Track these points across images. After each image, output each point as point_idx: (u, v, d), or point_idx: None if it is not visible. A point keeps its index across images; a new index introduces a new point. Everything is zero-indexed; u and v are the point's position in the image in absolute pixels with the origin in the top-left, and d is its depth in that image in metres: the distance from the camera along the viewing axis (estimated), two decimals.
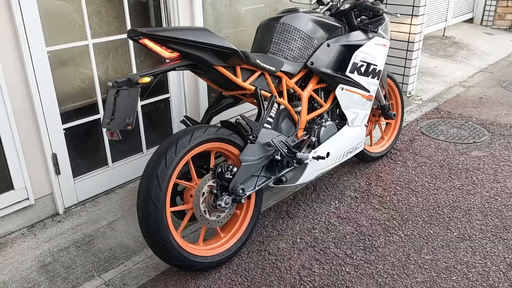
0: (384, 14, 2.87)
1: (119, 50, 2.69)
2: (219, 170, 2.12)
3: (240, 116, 2.13)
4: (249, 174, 2.20)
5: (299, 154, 2.35)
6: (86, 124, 2.61)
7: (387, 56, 4.49)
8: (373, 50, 2.71)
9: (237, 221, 2.34)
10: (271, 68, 2.28)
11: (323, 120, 2.63)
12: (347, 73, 2.59)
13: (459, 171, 3.13)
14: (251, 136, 2.13)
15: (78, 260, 2.25)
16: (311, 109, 2.66)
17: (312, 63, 2.46)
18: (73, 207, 2.61)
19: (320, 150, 2.54)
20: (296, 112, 2.50)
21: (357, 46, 2.63)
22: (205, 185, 2.10)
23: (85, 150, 2.65)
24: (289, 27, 2.40)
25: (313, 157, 2.44)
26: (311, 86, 2.55)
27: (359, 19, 2.82)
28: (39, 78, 2.29)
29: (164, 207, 1.95)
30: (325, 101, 2.65)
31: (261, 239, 2.46)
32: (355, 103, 2.70)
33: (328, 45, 2.53)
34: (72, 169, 2.53)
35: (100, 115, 2.64)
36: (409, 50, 4.44)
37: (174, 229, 2.02)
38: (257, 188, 2.24)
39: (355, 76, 2.63)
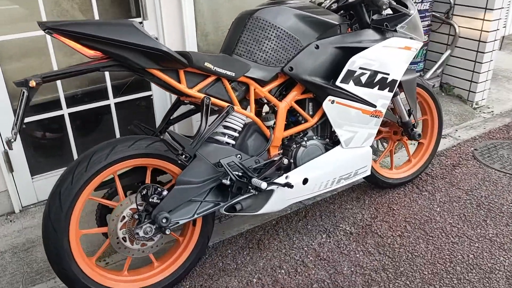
0: (411, 7, 2.27)
1: None
2: (144, 192, 1.79)
3: (168, 132, 1.76)
4: (185, 199, 1.84)
5: (254, 180, 1.92)
6: (46, 121, 2.44)
7: (453, 57, 3.75)
8: (382, 55, 2.14)
9: (177, 250, 2.00)
10: (228, 73, 1.88)
11: (305, 139, 2.15)
12: (338, 82, 2.07)
13: (500, 214, 2.42)
14: (183, 156, 1.76)
15: (9, 268, 2.10)
16: (295, 123, 2.19)
17: (291, 69, 1.99)
18: (31, 206, 2.48)
19: (294, 175, 2.08)
20: (269, 127, 2.06)
21: (358, 49, 2.09)
22: (127, 208, 1.79)
23: (46, 148, 2.49)
24: (264, 23, 1.95)
25: (278, 183, 2.00)
26: (292, 96, 2.08)
27: (376, 15, 2.26)
28: None
29: (66, 230, 1.68)
30: (313, 115, 2.16)
31: (212, 272, 2.10)
32: (351, 120, 2.17)
33: (317, 47, 2.03)
34: (30, 167, 2.39)
35: (64, 111, 2.45)
36: (479, 52, 3.63)
37: (83, 255, 1.75)
38: (196, 216, 1.88)
39: (350, 87, 2.10)
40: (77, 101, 2.53)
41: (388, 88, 2.22)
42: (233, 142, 2.03)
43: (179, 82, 1.80)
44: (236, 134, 2.04)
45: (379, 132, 2.59)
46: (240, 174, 1.93)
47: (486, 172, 2.84)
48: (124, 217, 1.79)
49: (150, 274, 1.93)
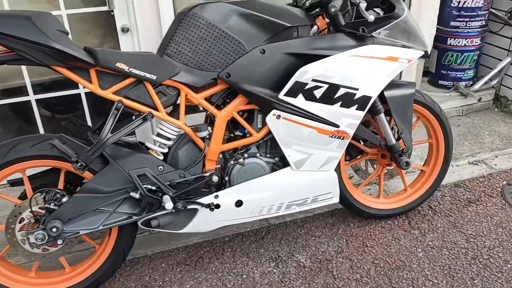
0: (399, 10, 1.84)
1: None
2: (43, 195, 1.70)
3: (59, 137, 1.62)
4: (89, 209, 1.71)
5: (164, 197, 1.72)
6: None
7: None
8: (347, 66, 1.77)
9: (91, 258, 1.89)
10: (148, 75, 1.68)
11: (245, 155, 1.87)
12: (282, 95, 1.75)
13: (497, 275, 1.92)
14: (78, 164, 1.62)
15: None
16: (243, 136, 1.93)
17: (228, 75, 1.73)
18: None
19: (225, 196, 1.83)
20: (203, 138, 1.83)
21: (316, 58, 1.74)
22: (27, 210, 1.71)
23: None
24: (199, 21, 1.70)
25: (199, 203, 1.78)
26: (234, 105, 1.81)
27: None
28: None
29: None
30: (261, 129, 1.87)
31: (134, 285, 1.96)
32: (303, 139, 1.84)
33: (263, 52, 1.73)
34: None
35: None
36: None
37: None
38: (102, 227, 1.73)
39: (298, 102, 1.77)
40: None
41: (356, 106, 1.84)
42: (164, 151, 1.85)
43: (90, 82, 1.65)
44: (169, 143, 1.85)
45: (364, 152, 2.21)
46: (154, 188, 1.74)
47: (507, 215, 2.30)
48: (23, 219, 1.71)
49: (58, 279, 1.85)
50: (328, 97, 1.79)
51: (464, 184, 2.57)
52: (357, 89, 1.81)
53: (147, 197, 1.72)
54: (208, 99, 1.82)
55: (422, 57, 2.02)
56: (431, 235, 2.17)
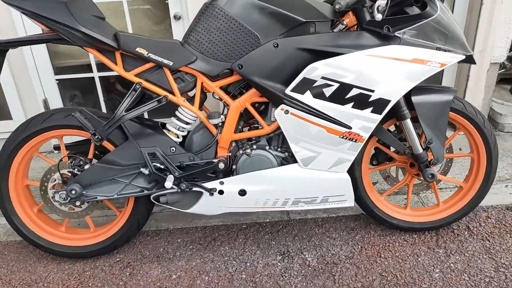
0: (430, 9, 1.71)
1: None
2: (70, 161, 1.92)
3: (80, 110, 1.80)
4: (105, 178, 1.90)
5: (169, 177, 1.83)
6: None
7: None
8: (363, 66, 1.69)
9: (111, 223, 2.09)
10: (165, 61, 1.79)
11: (253, 147, 1.90)
12: (288, 91, 1.74)
13: None
14: (95, 137, 1.80)
15: None
16: (255, 127, 1.96)
17: (240, 66, 1.77)
18: None
19: (230, 183, 1.89)
20: (216, 126, 1.91)
21: (330, 55, 1.70)
22: (57, 172, 1.95)
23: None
24: (219, 12, 1.76)
25: (202, 187, 1.87)
26: (247, 96, 1.85)
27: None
28: None
29: (5, 175, 1.95)
30: (273, 123, 1.88)
31: (148, 253, 2.13)
32: (311, 137, 1.81)
33: (276, 45, 1.74)
34: None
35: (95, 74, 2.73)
36: None
37: (24, 204, 2.01)
38: (117, 196, 1.91)
39: (306, 99, 1.74)
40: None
41: (371, 108, 1.75)
42: (183, 134, 1.97)
43: (116, 63, 1.82)
44: (188, 127, 1.97)
45: (392, 158, 2.09)
46: (162, 167, 1.87)
47: None
48: (54, 179, 1.96)
49: (83, 236, 2.09)
50: (339, 97, 1.73)
51: None
52: (372, 91, 1.72)
53: (154, 174, 1.85)
54: (225, 89, 1.88)
55: (463, 62, 1.84)
56: (457, 257, 1.99)
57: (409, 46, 1.71)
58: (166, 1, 2.54)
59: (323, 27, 1.77)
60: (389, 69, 1.71)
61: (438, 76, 2.90)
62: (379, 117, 1.78)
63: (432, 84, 1.97)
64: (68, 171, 1.94)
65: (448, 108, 1.89)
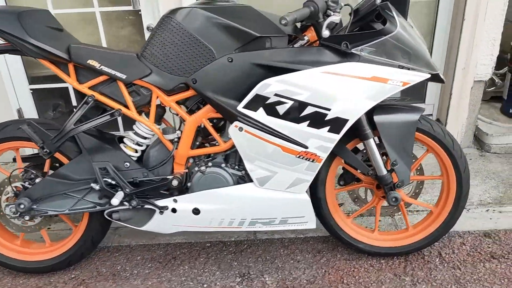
0: (389, 26, 1.63)
1: None
2: (22, 173, 1.88)
3: (27, 123, 1.76)
4: (56, 192, 1.84)
5: (117, 194, 1.77)
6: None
7: None
8: (319, 83, 1.61)
9: (67, 238, 2.04)
10: (118, 74, 1.75)
11: (209, 164, 1.83)
12: (241, 107, 1.67)
13: None
14: (44, 150, 1.76)
15: None
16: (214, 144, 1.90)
17: (194, 81, 1.71)
18: None
19: (183, 202, 1.83)
20: (172, 141, 1.85)
21: (285, 71, 1.63)
22: (11, 184, 1.91)
23: None
24: (174, 25, 1.71)
25: (153, 204, 1.81)
26: (204, 111, 1.79)
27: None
28: None
29: None
30: (229, 139, 1.82)
31: (105, 271, 2.06)
32: (266, 156, 1.73)
33: (230, 60, 1.68)
34: None
35: None
36: None
37: None
38: (68, 212, 1.86)
39: (259, 116, 1.67)
40: None
41: (328, 128, 1.67)
42: (141, 148, 1.91)
43: (69, 75, 1.78)
44: (146, 141, 1.91)
45: (359, 179, 2.00)
46: (113, 183, 1.81)
47: None
48: (8, 191, 1.92)
49: (37, 251, 2.04)
50: (294, 115, 1.66)
51: (497, 236, 2.17)
52: (329, 110, 1.65)
53: (103, 190, 1.80)
54: (183, 103, 1.83)
55: (430, 80, 1.76)
56: (423, 286, 1.88)
57: (369, 63, 1.63)
58: (140, 12, 2.51)
59: (280, 42, 1.70)
60: (346, 87, 1.63)
61: (422, 93, 2.80)
62: (337, 137, 1.69)
63: (400, 102, 1.89)
64: (20, 184, 1.90)
65: (413, 128, 1.79)
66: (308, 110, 1.65)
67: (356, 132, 1.79)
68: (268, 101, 1.65)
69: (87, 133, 1.84)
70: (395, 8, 1.66)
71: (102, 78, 1.77)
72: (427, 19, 2.61)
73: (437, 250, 2.08)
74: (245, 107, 1.67)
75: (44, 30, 1.74)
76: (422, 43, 1.72)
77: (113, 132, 2.08)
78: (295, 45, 1.75)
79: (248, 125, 1.70)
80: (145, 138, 1.90)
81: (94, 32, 2.67)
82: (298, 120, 1.67)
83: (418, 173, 2.00)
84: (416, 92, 2.79)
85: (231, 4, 1.74)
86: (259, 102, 1.65)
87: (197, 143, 1.89)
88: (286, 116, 1.66)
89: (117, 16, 2.63)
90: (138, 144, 1.91)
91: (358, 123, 1.76)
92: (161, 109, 1.88)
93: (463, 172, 1.88)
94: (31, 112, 2.82)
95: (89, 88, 1.79)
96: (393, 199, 1.84)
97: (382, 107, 1.79)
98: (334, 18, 1.56)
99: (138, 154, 1.91)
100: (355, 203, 2.10)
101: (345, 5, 1.85)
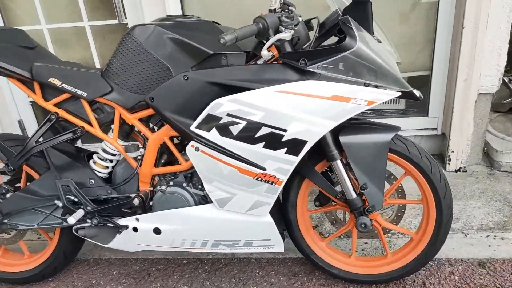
0: (348, 42, 1.51)
1: None
2: None
3: None
4: (25, 207, 1.88)
5: (77, 211, 1.77)
6: None
7: None
8: (271, 103, 1.53)
9: (43, 251, 2.07)
10: (79, 92, 1.75)
11: (170, 183, 1.79)
12: (193, 127, 1.61)
13: None
14: (8, 167, 1.79)
15: None
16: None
17: (152, 99, 1.68)
18: None
19: (145, 221, 1.80)
20: (136, 159, 1.83)
21: (238, 89, 1.56)
22: None
23: None
24: (133, 42, 1.68)
25: (113, 222, 1.79)
26: (166, 129, 1.75)
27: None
28: None
29: None
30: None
31: (79, 284, 2.08)
32: (224, 177, 1.66)
33: (186, 78, 1.62)
34: None
35: None
36: None
37: None
38: (38, 227, 1.89)
39: (212, 136, 1.60)
40: None
41: (286, 149, 1.58)
42: (109, 165, 1.91)
43: (35, 93, 1.80)
44: (115, 158, 1.90)
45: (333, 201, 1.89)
46: (76, 200, 1.81)
47: None
48: None
49: (17, 262, 2.09)
50: (248, 136, 1.58)
51: (493, 265, 1.97)
52: (285, 131, 1.56)
53: (65, 207, 1.81)
54: (146, 120, 1.80)
55: (404, 98, 1.63)
56: None
57: (330, 81, 1.52)
58: (127, 26, 2.52)
59: (237, 60, 1.63)
60: (303, 107, 1.53)
61: (425, 107, 2.60)
62: (295, 159, 1.60)
63: (372, 120, 1.76)
64: None
65: (385, 149, 1.66)
66: (263, 131, 1.57)
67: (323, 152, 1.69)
68: (221, 122, 1.58)
69: (57, 149, 1.86)
70: (357, 22, 1.54)
71: (65, 96, 1.78)
72: (427, 25, 2.43)
73: (422, 279, 1.92)
74: (198, 127, 1.61)
75: (11, 50, 1.77)
76: (391, 59, 1.59)
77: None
78: (258, 62, 1.67)
79: (203, 145, 1.64)
80: (113, 155, 1.89)
81: (88, 46, 2.71)
82: (253, 141, 1.59)
83: (399, 195, 1.86)
84: (419, 104, 2.61)
85: (191, 20, 1.69)
86: (211, 122, 1.59)
87: (163, 161, 1.86)
88: (241, 137, 1.59)
89: (109, 30, 2.65)
90: (106, 161, 1.90)
91: (324, 143, 1.66)
92: (128, 126, 1.86)
93: (443, 198, 1.72)
94: (31, 123, 2.91)
95: (55, 105, 1.80)
96: (362, 225, 1.71)
97: (350, 126, 1.68)
98: (284, 35, 1.47)
99: (107, 171, 1.90)
100: (333, 225, 1.98)
101: (312, 18, 1.75)
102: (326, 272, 1.92)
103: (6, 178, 2.08)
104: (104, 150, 1.89)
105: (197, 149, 1.66)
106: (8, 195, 1.91)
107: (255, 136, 1.58)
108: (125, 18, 2.50)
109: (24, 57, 1.79)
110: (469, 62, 2.20)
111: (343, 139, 1.65)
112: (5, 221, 1.89)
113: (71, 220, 1.75)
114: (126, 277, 2.11)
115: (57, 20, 2.69)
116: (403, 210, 1.89)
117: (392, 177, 1.82)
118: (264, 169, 1.63)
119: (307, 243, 1.89)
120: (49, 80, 1.74)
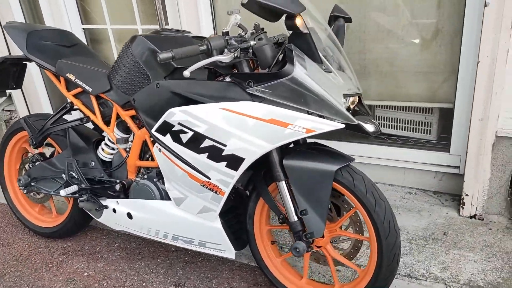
0: (288, 67, 1.55)
1: None
2: (30, 157, 2.38)
3: (23, 118, 2.21)
4: (45, 176, 2.29)
5: (72, 186, 2.11)
6: None
7: None
8: (214, 118, 1.65)
9: (63, 214, 2.48)
10: (86, 87, 2.08)
11: (144, 176, 2.01)
12: (153, 130, 1.80)
13: None
14: (33, 142, 2.20)
15: None
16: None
17: (134, 100, 1.92)
18: None
19: (121, 205, 2.07)
20: (125, 150, 2.10)
21: (194, 102, 1.72)
22: (25, 164, 2.45)
23: None
24: (128, 50, 1.94)
25: (96, 202, 2.10)
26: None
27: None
28: None
29: None
30: None
31: (83, 243, 2.45)
32: (178, 179, 1.83)
33: (158, 86, 1.83)
34: None
35: None
36: None
37: None
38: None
39: (167, 141, 1.77)
40: None
41: (226, 163, 1.69)
42: (112, 152, 2.22)
43: (60, 83, 2.19)
44: (114, 146, 2.21)
45: None
46: (76, 176, 2.16)
47: None
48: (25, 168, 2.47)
49: (48, 219, 2.55)
50: (194, 145, 1.72)
51: None
52: (225, 145, 1.66)
53: (66, 181, 2.17)
54: (137, 118, 2.06)
55: (353, 130, 1.62)
56: None
57: (271, 105, 1.58)
58: None
59: (200, 75, 1.77)
60: (243, 126, 1.61)
61: (448, 141, 2.38)
62: (235, 173, 1.69)
63: (329, 148, 1.75)
64: (28, 165, 2.42)
65: (329, 179, 1.64)
66: (207, 142, 1.70)
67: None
68: (173, 129, 1.75)
69: (76, 131, 2.24)
70: (301, 50, 1.56)
71: (79, 89, 2.13)
72: (451, 55, 2.23)
73: None
74: (156, 131, 1.81)
75: (48, 47, 2.18)
76: (338, 90, 1.57)
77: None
78: (226, 79, 1.79)
79: (163, 147, 1.83)
80: (114, 143, 2.20)
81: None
82: (198, 150, 1.73)
83: (357, 229, 1.81)
84: (443, 140, 2.41)
85: (172, 34, 1.89)
86: (166, 128, 1.77)
87: (148, 155, 2.10)
88: (188, 145, 1.74)
89: None
90: (110, 148, 2.21)
91: (270, 162, 1.72)
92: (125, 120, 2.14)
93: (384, 239, 1.64)
94: None
95: (74, 95, 2.17)
96: (296, 250, 1.72)
97: (298, 150, 1.71)
98: (221, 57, 1.57)
99: (111, 157, 2.22)
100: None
101: (283, 41, 1.79)
102: None
103: (51, 149, 2.55)
104: (108, 139, 2.20)
105: (160, 149, 1.86)
106: (37, 164, 2.35)
107: (200, 147, 1.72)
108: (166, 24, 2.81)
109: (56, 54, 2.18)
110: (486, 99, 1.97)
111: (286, 162, 1.68)
112: (32, 184, 2.34)
113: (62, 192, 2.11)
114: (122, 250, 2.42)
115: (119, 22, 3.12)
116: (360, 245, 1.83)
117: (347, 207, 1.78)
118: (208, 178, 1.75)
119: (262, 257, 1.96)
120: (67, 74, 2.10)
